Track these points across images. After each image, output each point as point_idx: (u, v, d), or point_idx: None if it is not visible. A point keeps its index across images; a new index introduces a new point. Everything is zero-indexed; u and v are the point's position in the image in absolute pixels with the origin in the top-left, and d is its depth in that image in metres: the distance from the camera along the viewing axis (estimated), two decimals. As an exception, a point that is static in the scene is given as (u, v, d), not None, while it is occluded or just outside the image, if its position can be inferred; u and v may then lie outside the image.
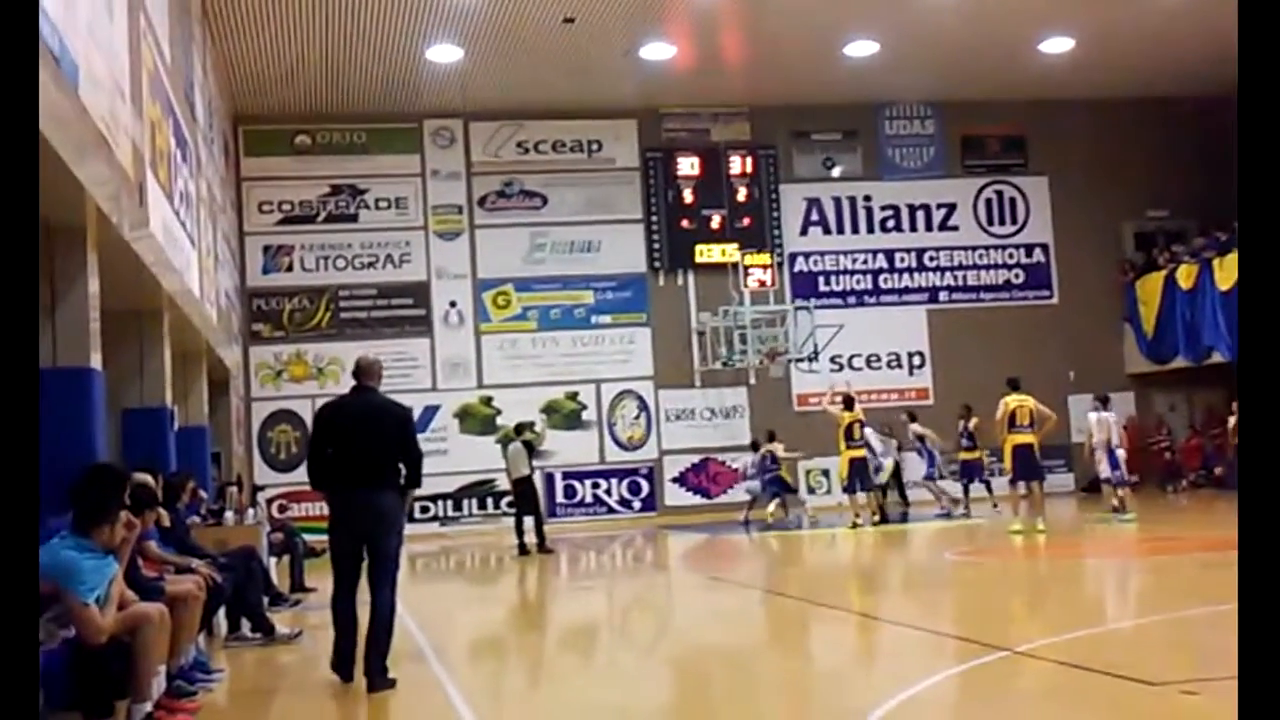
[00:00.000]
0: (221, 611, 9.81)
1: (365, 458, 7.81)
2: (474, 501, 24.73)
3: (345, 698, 7.75)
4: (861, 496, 19.76)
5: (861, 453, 19.61)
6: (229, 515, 12.96)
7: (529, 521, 18.65)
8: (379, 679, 7.54)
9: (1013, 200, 27.23)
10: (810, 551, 18.17)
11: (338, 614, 7.83)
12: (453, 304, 25.22)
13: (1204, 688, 6.35)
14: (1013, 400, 17.68)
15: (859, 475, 19.48)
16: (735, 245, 25.25)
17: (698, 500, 25.42)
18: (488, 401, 25.06)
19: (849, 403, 19.80)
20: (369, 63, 22.06)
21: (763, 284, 24.91)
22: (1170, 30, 22.39)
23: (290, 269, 24.75)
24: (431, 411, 24.64)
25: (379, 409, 8.03)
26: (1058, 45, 23.34)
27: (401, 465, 7.93)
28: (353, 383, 8.23)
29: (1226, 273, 23.36)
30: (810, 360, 24.98)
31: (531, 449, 19.29)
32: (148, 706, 6.02)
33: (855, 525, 19.21)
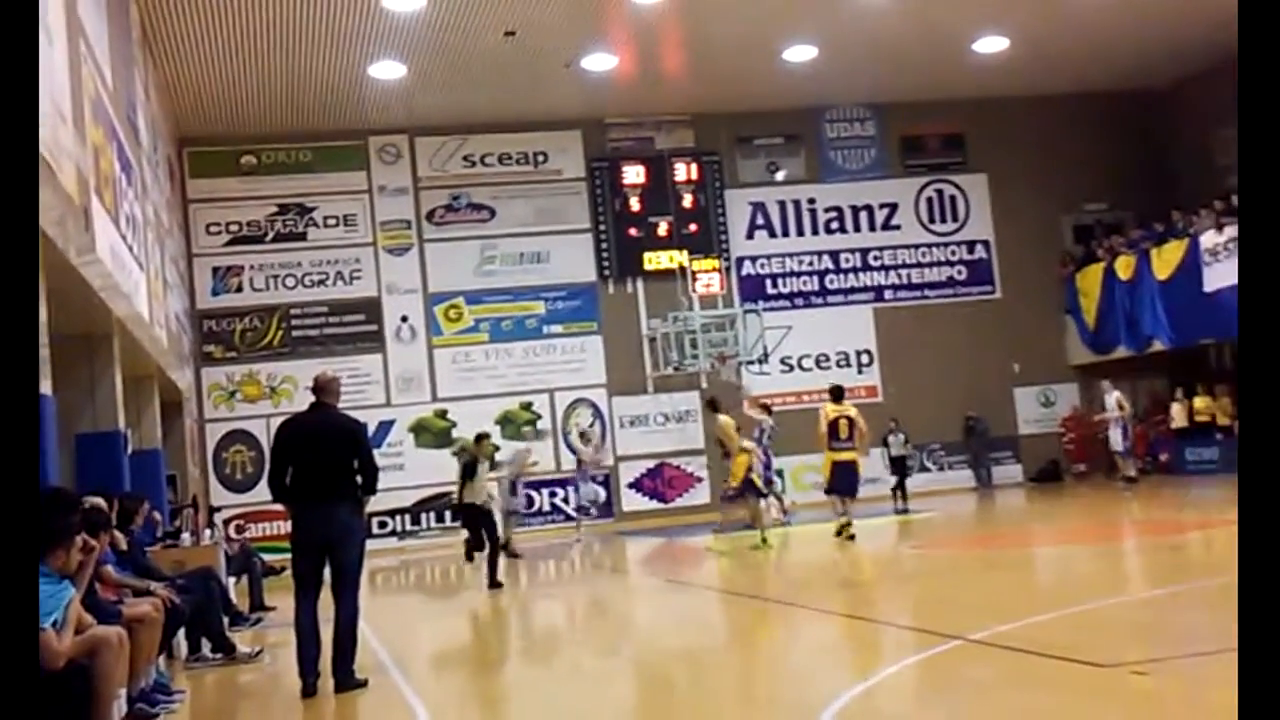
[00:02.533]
0: (181, 633, 9.86)
1: (322, 472, 8.03)
2: (431, 515, 24.77)
3: (308, 711, 7.85)
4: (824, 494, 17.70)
5: (851, 455, 16.32)
6: (186, 536, 12.99)
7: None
8: (347, 680, 7.71)
9: (953, 198, 27.62)
10: (764, 552, 18.35)
11: (300, 625, 7.99)
12: (404, 319, 25.27)
13: (1154, 668, 6.57)
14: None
15: (842, 478, 16.46)
16: (683, 251, 25.47)
17: (654, 505, 25.59)
18: (443, 415, 25.12)
19: (837, 395, 16.80)
20: (312, 81, 22.09)
21: (711, 289, 25.15)
22: (1103, 26, 22.80)
23: (240, 289, 24.72)
24: (387, 427, 24.67)
25: (333, 424, 8.23)
26: (993, 45, 23.70)
27: (359, 477, 8.14)
28: (311, 399, 8.46)
29: (1164, 261, 23.81)
30: (760, 362, 25.27)
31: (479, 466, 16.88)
32: (110, 728, 6.07)
33: (842, 532, 16.42)
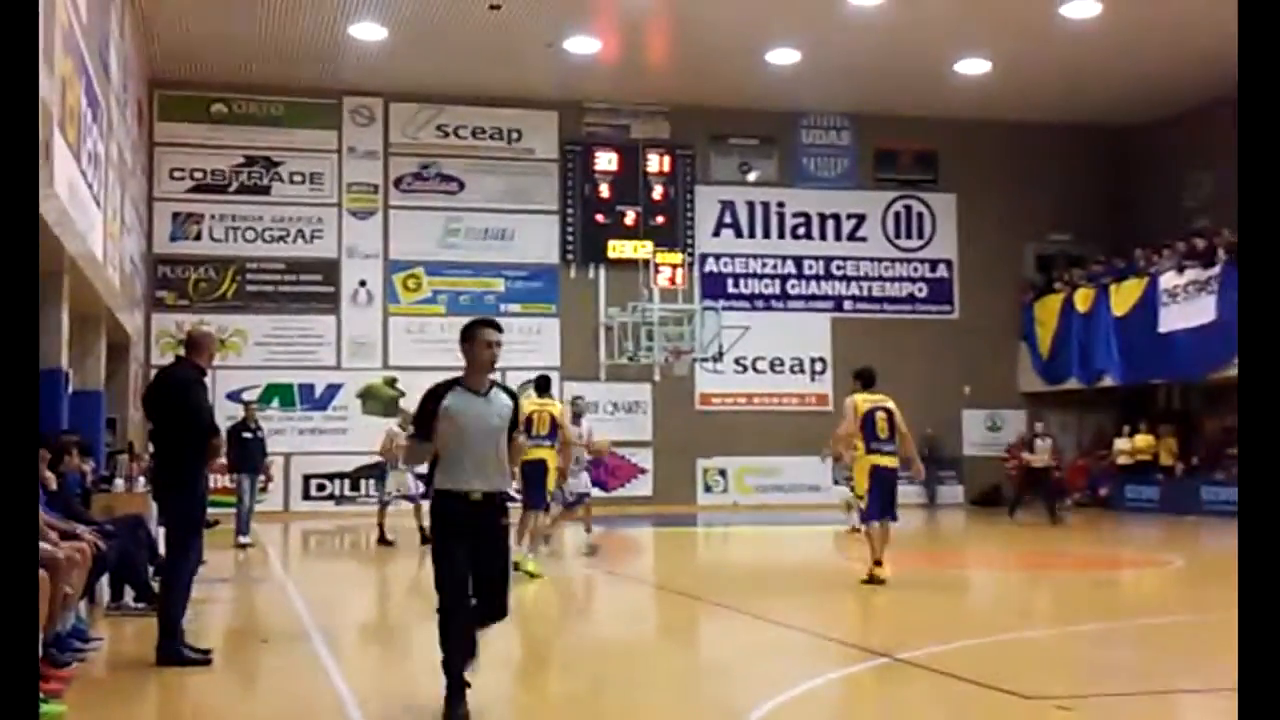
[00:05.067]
0: (105, 579, 9.71)
1: (155, 429, 8.20)
2: (371, 483, 24.56)
3: (223, 671, 7.75)
4: (859, 521, 13.29)
5: (894, 461, 12.24)
6: (119, 482, 12.80)
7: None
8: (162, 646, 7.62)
9: (920, 215, 27.70)
10: (706, 547, 18.37)
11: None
12: (362, 283, 25.06)
13: (1078, 704, 6.57)
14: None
15: (884, 492, 12.19)
16: (648, 242, 25.40)
17: (595, 493, 25.46)
18: (392, 383, 24.86)
19: (868, 380, 12.65)
20: (291, 35, 21.83)
21: (673, 282, 25.09)
22: (1085, 60, 22.92)
23: (199, 238, 24.42)
24: (334, 390, 24.46)
25: (163, 381, 8.13)
26: (974, 67, 23.78)
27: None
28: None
29: (1122, 298, 24.01)
30: (715, 360, 25.26)
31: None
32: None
33: (872, 577, 11.91)
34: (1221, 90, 24.02)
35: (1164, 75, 23.76)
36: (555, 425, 13.38)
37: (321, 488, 24.22)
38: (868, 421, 12.18)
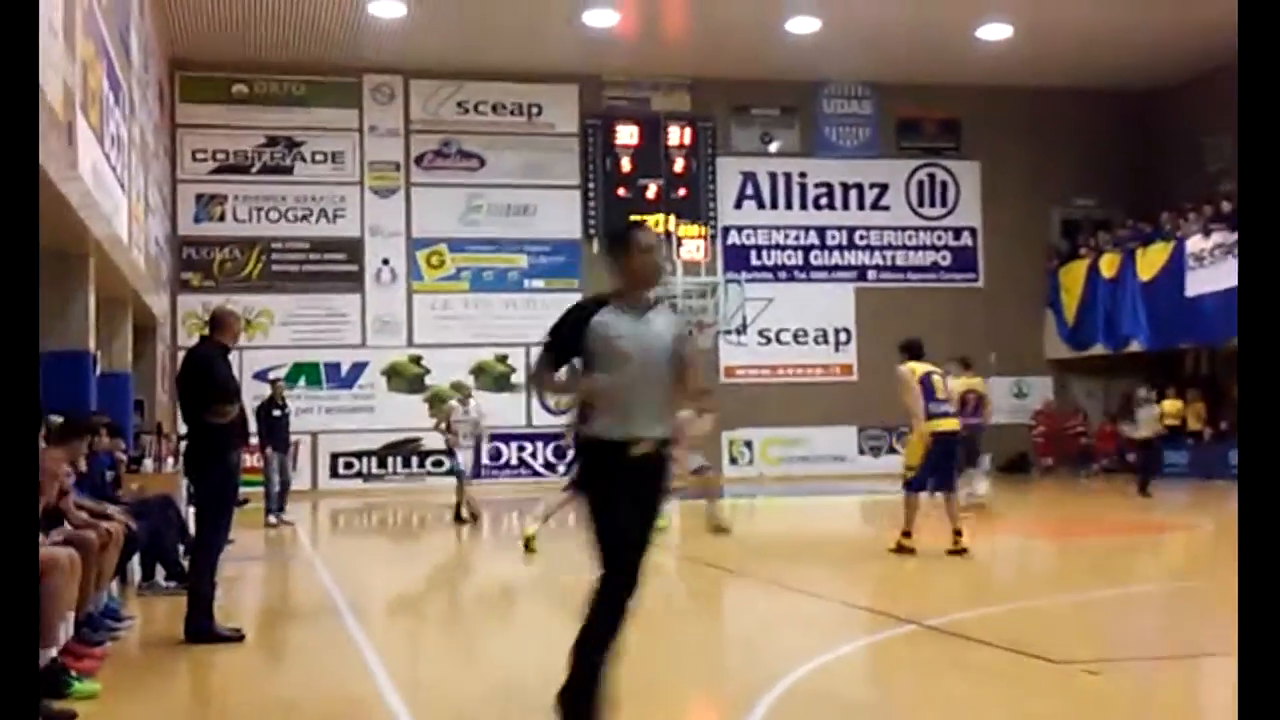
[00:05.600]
0: (136, 559, 9.81)
1: (183, 407, 8.12)
2: (398, 460, 24.72)
3: (255, 649, 7.82)
4: (925, 497, 12.00)
5: (954, 424, 11.88)
6: (148, 463, 12.90)
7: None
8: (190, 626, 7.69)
9: (944, 184, 27.57)
10: (732, 519, 18.38)
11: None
12: (385, 261, 25.13)
13: (1105, 668, 6.58)
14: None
15: (943, 460, 11.79)
16: (670, 216, 25.36)
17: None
18: (417, 360, 25.03)
19: (915, 350, 12.04)
20: (311, 14, 21.85)
21: (695, 255, 25.05)
22: (1106, 23, 22.72)
23: (222, 219, 24.53)
24: (360, 368, 24.58)
25: (188, 360, 8.20)
26: (996, 32, 23.61)
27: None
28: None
29: (1149, 262, 23.84)
30: (739, 333, 25.22)
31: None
32: (53, 652, 6.02)
33: (900, 546, 11.76)
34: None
35: (1182, 39, 23.54)
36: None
37: (349, 465, 24.36)
38: (925, 385, 11.67)
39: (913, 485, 11.88)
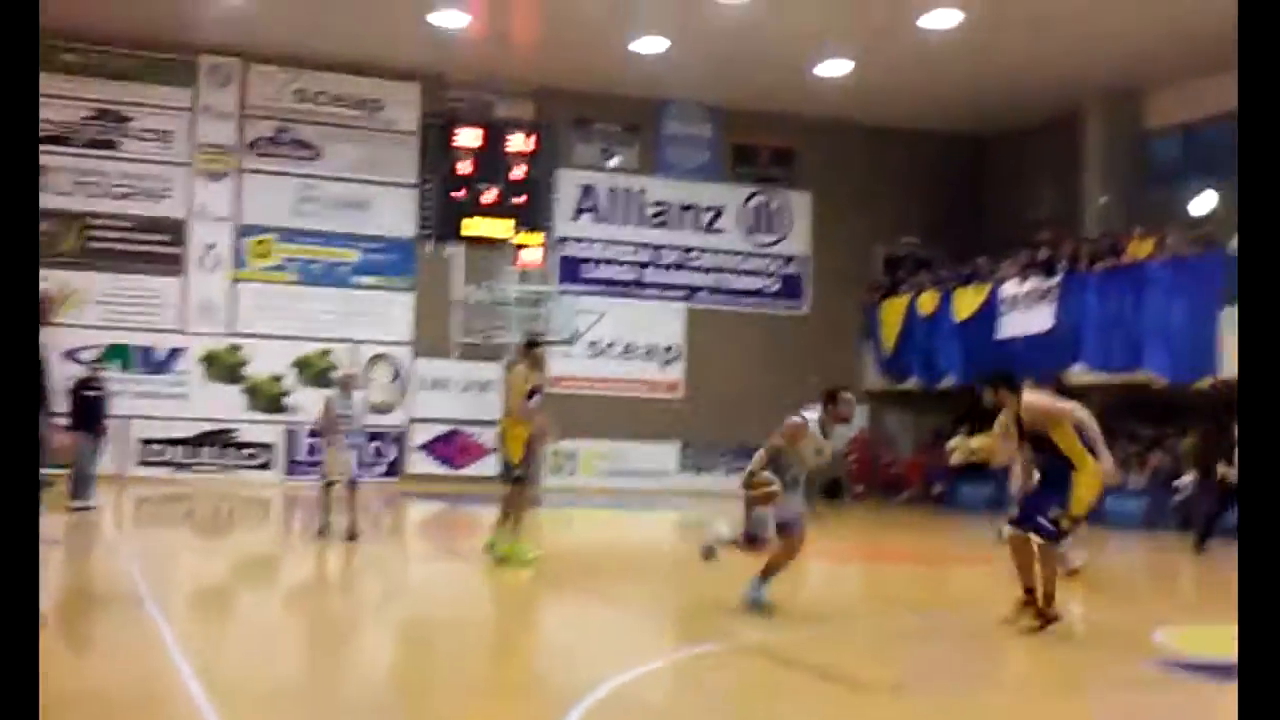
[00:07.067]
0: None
1: None
2: (213, 449, 24.09)
3: (55, 637, 7.57)
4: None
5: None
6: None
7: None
8: None
9: (777, 211, 28.15)
10: (549, 529, 18.42)
11: None
12: (210, 246, 24.49)
13: (905, 692, 6.81)
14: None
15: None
16: (507, 222, 25.25)
17: (443, 470, 25.43)
18: (236, 350, 24.46)
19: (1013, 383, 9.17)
20: (148, -13, 21.20)
21: (530, 264, 25.03)
22: (945, 68, 23.53)
23: (42, 190, 23.56)
24: (176, 354, 23.91)
25: None
26: (837, 68, 24.21)
27: None
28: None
29: (965, 303, 24.71)
30: (568, 344, 25.30)
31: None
32: None
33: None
34: (1067, 109, 25.03)
35: (1016, 90, 24.60)
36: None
37: (160, 454, 23.65)
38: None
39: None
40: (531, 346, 12.71)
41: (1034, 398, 9.11)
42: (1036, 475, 9.23)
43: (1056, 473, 8.77)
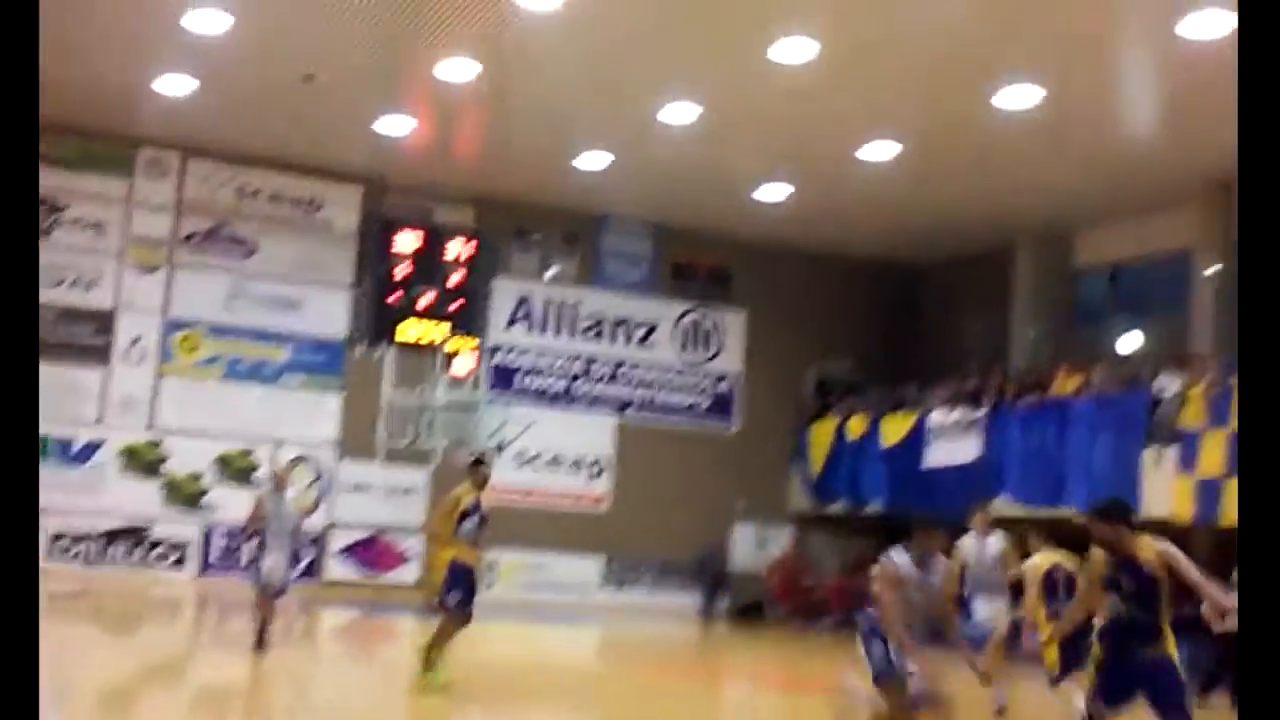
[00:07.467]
0: None
1: None
2: (124, 548, 23.49)
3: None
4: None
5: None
6: None
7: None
8: None
9: (711, 329, 28.33)
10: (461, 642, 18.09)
11: None
12: (136, 340, 24.14)
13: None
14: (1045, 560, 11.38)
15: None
16: (441, 327, 25.17)
17: (360, 576, 24.96)
18: (156, 445, 24.00)
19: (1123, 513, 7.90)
20: (90, 76, 21.08)
21: (461, 370, 24.92)
22: (882, 197, 23.91)
23: (-36, 274, 23.19)
24: (93, 448, 23.41)
25: None
26: (776, 192, 24.56)
27: None
28: None
29: (893, 430, 24.88)
30: (496, 452, 25.12)
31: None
32: None
33: None
34: (999, 244, 25.57)
35: (950, 223, 25.11)
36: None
37: (67, 549, 23.01)
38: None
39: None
40: (478, 464, 12.03)
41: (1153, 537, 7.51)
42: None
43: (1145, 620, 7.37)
